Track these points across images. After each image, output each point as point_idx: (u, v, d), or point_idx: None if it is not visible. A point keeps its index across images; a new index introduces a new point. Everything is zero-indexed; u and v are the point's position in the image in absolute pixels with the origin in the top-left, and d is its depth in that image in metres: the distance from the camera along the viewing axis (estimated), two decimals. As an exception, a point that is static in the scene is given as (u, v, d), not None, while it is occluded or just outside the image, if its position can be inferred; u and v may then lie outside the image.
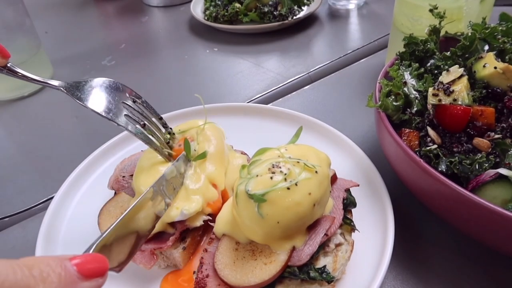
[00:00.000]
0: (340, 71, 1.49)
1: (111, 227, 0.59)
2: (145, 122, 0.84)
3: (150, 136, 0.84)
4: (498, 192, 0.70)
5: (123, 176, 0.92)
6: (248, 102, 1.36)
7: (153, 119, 0.88)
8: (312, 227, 0.75)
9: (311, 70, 1.49)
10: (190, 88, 1.49)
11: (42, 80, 0.80)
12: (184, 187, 0.82)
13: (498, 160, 0.74)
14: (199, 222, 0.82)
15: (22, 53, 1.44)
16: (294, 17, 1.74)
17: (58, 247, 0.87)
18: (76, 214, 0.94)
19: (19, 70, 0.79)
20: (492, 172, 0.70)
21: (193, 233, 0.86)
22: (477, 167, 0.72)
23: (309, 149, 0.79)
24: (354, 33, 1.77)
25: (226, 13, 1.73)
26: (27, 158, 1.23)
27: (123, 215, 0.64)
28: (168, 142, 0.88)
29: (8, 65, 0.80)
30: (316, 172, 0.72)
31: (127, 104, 0.84)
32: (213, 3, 1.81)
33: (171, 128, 0.90)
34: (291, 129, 0.97)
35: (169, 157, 0.86)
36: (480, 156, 0.73)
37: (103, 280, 0.48)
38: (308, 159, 0.74)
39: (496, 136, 0.76)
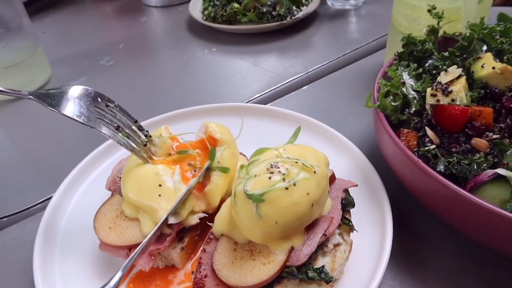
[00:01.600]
0: (339, 71, 1.49)
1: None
2: (119, 125, 0.84)
3: (126, 138, 0.84)
4: (497, 192, 0.70)
5: (120, 177, 0.91)
6: (246, 102, 1.36)
7: (128, 122, 0.88)
8: (310, 227, 0.75)
9: (310, 70, 1.49)
10: (188, 88, 1.49)
11: (11, 91, 0.79)
12: (171, 188, 0.82)
13: (496, 160, 0.74)
14: (194, 220, 0.82)
15: (21, 53, 1.44)
16: (293, 17, 1.74)
17: (56, 247, 0.87)
18: (75, 214, 0.94)
19: None
20: (490, 172, 0.71)
21: (191, 233, 0.86)
22: (475, 167, 0.72)
23: (307, 149, 0.79)
24: (352, 33, 1.77)
25: (224, 13, 1.73)
26: (25, 158, 1.23)
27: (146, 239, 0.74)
28: (145, 145, 0.88)
29: None
30: (314, 172, 0.72)
31: (100, 108, 0.84)
32: (211, 3, 1.81)
33: (147, 131, 0.90)
34: (289, 129, 0.97)
35: (147, 159, 0.86)
36: (478, 156, 0.73)
37: None
38: (307, 159, 0.74)
39: (495, 136, 0.76)
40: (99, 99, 0.85)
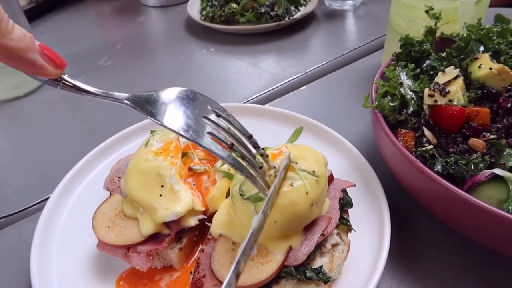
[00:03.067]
0: (337, 71, 1.49)
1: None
2: (233, 142, 0.68)
3: (240, 160, 0.68)
4: (493, 192, 0.70)
5: (119, 177, 0.91)
6: (244, 103, 1.36)
7: (242, 137, 0.71)
8: (308, 227, 0.75)
9: (308, 70, 1.49)
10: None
11: (104, 94, 0.67)
12: (172, 189, 0.81)
13: (493, 160, 0.74)
14: (194, 222, 0.82)
15: (18, 53, 1.43)
16: (291, 18, 1.74)
17: (53, 248, 0.87)
18: (72, 215, 0.94)
19: (78, 83, 0.64)
20: (487, 172, 0.71)
21: (189, 234, 0.86)
22: (472, 167, 0.73)
23: (306, 149, 0.79)
24: (350, 34, 1.77)
25: (222, 14, 1.73)
26: (22, 159, 1.23)
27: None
28: (261, 167, 0.72)
29: (65, 77, 0.62)
30: (313, 172, 0.72)
31: (210, 119, 0.69)
32: (209, 3, 1.81)
33: (263, 149, 0.74)
34: (287, 129, 0.97)
35: (264, 187, 0.69)
36: (475, 156, 0.73)
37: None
38: (305, 159, 0.74)
39: (492, 136, 0.76)
40: (209, 107, 0.70)
